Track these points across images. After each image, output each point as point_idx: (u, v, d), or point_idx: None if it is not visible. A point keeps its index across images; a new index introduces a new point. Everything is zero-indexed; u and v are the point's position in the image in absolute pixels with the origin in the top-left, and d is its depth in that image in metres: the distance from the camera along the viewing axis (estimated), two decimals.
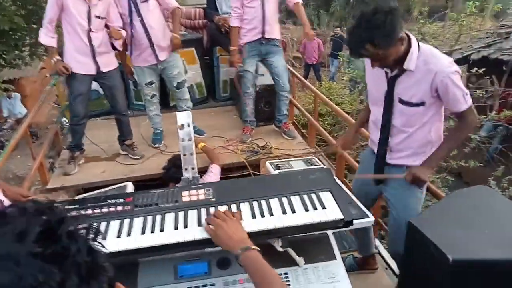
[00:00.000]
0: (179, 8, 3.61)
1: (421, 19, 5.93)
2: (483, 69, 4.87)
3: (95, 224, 0.55)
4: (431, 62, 1.74)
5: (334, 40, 11.30)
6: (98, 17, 3.28)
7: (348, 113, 6.43)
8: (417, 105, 1.83)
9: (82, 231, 0.51)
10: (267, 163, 2.39)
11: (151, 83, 3.77)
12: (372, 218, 1.50)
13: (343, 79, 9.00)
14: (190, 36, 4.76)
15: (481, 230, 1.45)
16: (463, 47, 5.92)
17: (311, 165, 2.35)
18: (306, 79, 10.83)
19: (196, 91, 4.94)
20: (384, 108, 1.95)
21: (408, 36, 1.77)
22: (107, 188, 1.94)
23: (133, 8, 3.42)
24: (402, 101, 1.86)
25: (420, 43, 1.81)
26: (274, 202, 1.43)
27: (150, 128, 4.12)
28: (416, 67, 1.77)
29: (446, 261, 1.32)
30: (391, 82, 1.86)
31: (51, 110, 8.32)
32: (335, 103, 6.41)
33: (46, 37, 3.28)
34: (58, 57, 3.31)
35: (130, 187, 1.97)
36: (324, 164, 3.24)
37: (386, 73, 1.87)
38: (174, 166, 2.79)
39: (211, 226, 1.22)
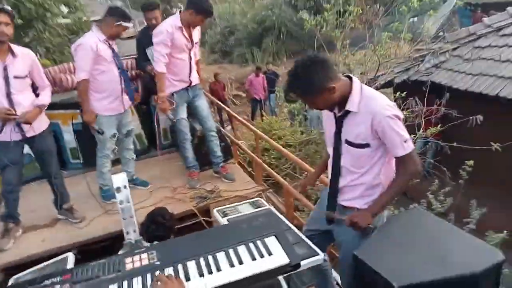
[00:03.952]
0: None
1: (344, 51, 6.39)
2: (405, 92, 5.29)
3: None
4: (371, 104, 1.81)
5: (267, 76, 11.42)
6: (17, 77, 2.95)
7: (290, 146, 6.63)
8: (361, 146, 1.87)
9: None
10: (215, 211, 2.39)
11: (114, 135, 3.65)
12: (321, 256, 1.54)
13: (283, 112, 9.30)
14: None
15: (419, 252, 1.54)
16: (385, 73, 6.42)
17: (258, 207, 2.37)
18: (254, 115, 11.04)
19: (137, 142, 4.83)
20: (334, 148, 2.01)
21: (351, 79, 1.86)
22: (43, 264, 1.81)
23: (115, 59, 3.48)
24: (348, 142, 1.91)
25: (363, 85, 1.88)
26: (221, 256, 1.42)
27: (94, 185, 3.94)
28: (359, 109, 1.83)
29: None
30: (339, 123, 1.93)
31: None
32: (277, 137, 6.56)
33: None
34: None
35: (70, 259, 1.86)
36: (272, 202, 3.30)
37: (335, 114, 1.95)
38: (152, 223, 2.45)
39: None
